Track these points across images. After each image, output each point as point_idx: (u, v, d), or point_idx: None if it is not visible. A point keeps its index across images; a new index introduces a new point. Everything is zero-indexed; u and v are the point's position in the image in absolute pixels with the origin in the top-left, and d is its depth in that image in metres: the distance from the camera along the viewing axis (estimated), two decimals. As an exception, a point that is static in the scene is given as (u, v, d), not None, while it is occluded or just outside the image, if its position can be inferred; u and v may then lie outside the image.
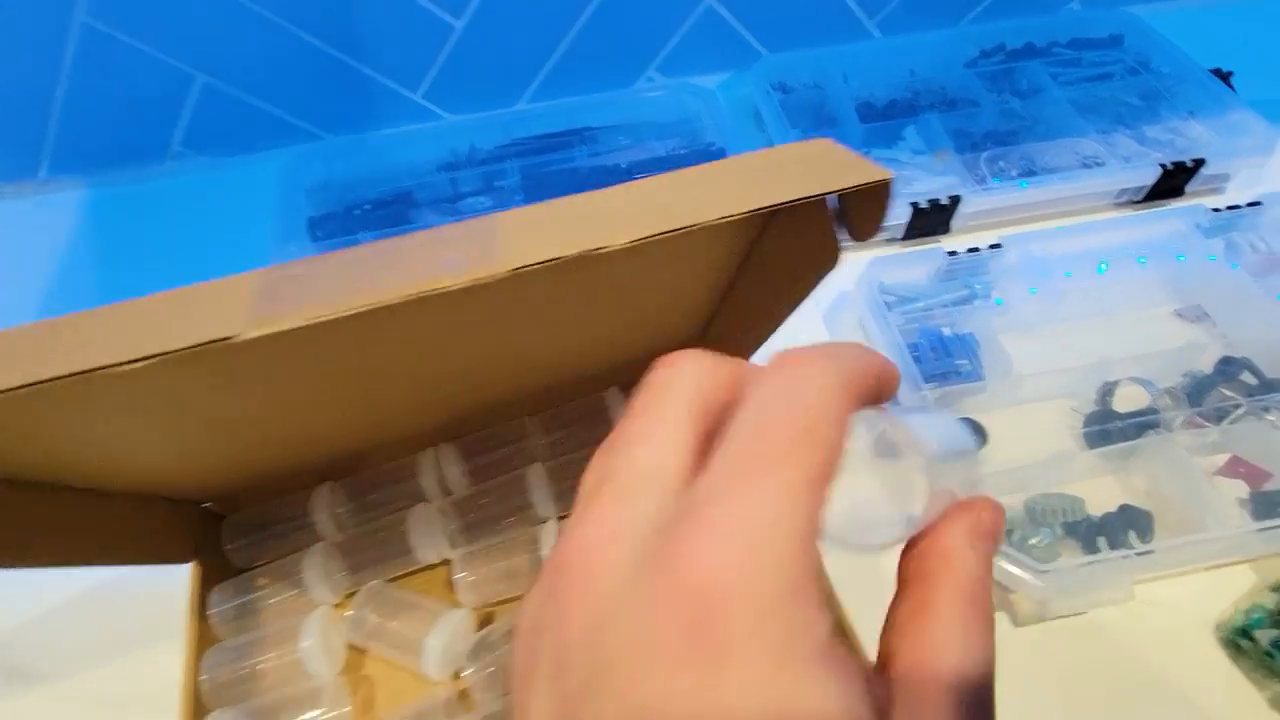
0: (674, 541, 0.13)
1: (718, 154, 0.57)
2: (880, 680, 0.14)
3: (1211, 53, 0.63)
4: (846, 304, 0.51)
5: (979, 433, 0.42)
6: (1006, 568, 0.35)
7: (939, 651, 0.14)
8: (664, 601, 0.12)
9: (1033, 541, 0.38)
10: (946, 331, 0.46)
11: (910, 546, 0.17)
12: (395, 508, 0.39)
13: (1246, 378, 0.44)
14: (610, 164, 0.57)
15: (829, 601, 0.30)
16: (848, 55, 0.65)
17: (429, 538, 0.37)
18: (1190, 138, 0.56)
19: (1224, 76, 0.63)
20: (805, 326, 0.51)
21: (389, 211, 0.55)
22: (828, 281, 0.52)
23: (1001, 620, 0.38)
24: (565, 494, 0.38)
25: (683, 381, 0.15)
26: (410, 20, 0.59)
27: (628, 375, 0.41)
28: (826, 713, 0.12)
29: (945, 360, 0.44)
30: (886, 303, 0.48)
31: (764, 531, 0.12)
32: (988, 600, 0.16)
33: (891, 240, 0.55)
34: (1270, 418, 0.41)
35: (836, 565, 0.30)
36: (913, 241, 0.54)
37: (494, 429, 0.41)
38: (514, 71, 0.65)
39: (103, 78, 0.57)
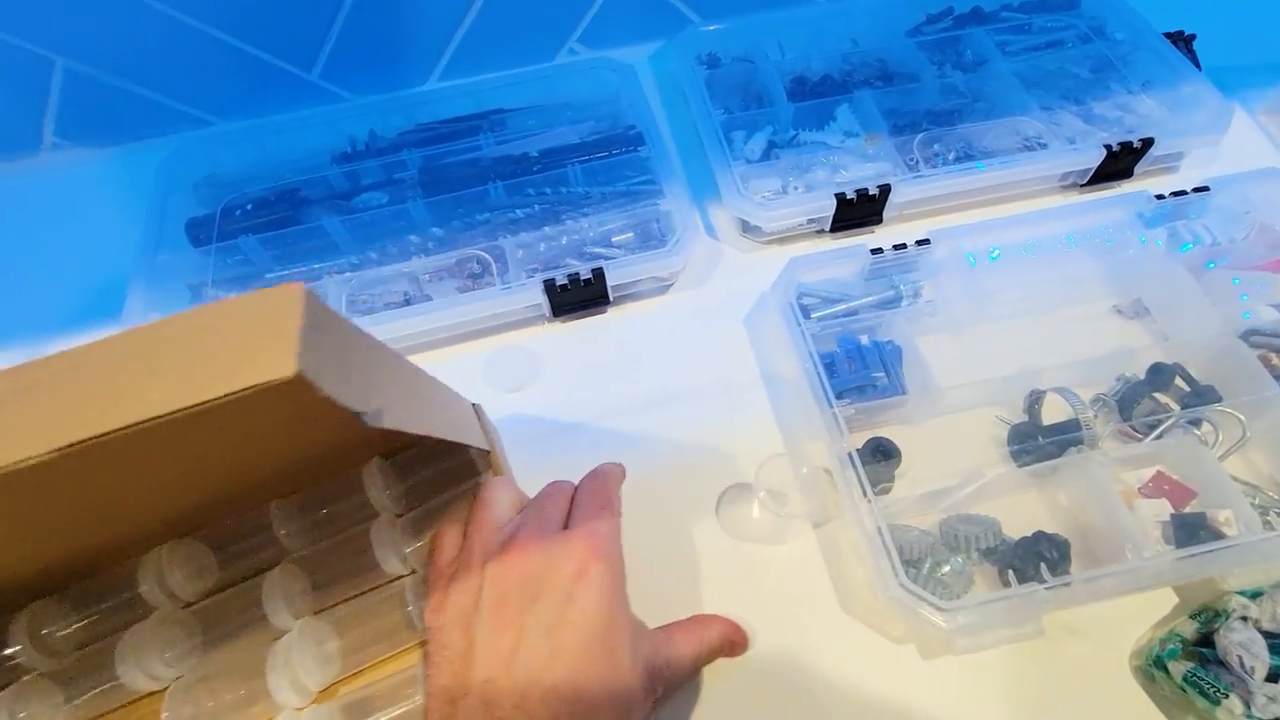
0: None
1: (634, 139, 0.52)
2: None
3: (1174, 13, 0.58)
4: (767, 306, 0.48)
5: (891, 453, 0.39)
6: (909, 603, 0.33)
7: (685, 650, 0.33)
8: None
9: (944, 571, 0.36)
10: (865, 340, 0.43)
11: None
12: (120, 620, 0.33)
13: (1179, 385, 0.41)
14: (518, 152, 0.53)
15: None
16: (787, 22, 0.60)
17: (145, 655, 0.32)
18: (1141, 115, 0.52)
19: (1186, 40, 0.59)
20: (729, 329, 0.48)
21: (275, 211, 0.50)
22: (752, 280, 0.49)
23: (909, 653, 0.36)
24: (320, 586, 0.35)
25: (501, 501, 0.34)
26: (294, -8, 0.53)
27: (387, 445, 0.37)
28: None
29: (862, 373, 0.41)
30: (806, 305, 0.45)
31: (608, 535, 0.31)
32: (706, 650, 0.34)
33: (820, 233, 0.51)
34: (1198, 432, 0.38)
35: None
36: (841, 234, 0.51)
37: (237, 519, 0.36)
38: (418, 46, 0.59)
39: (-54, 65, 0.51)
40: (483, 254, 0.47)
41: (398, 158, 0.53)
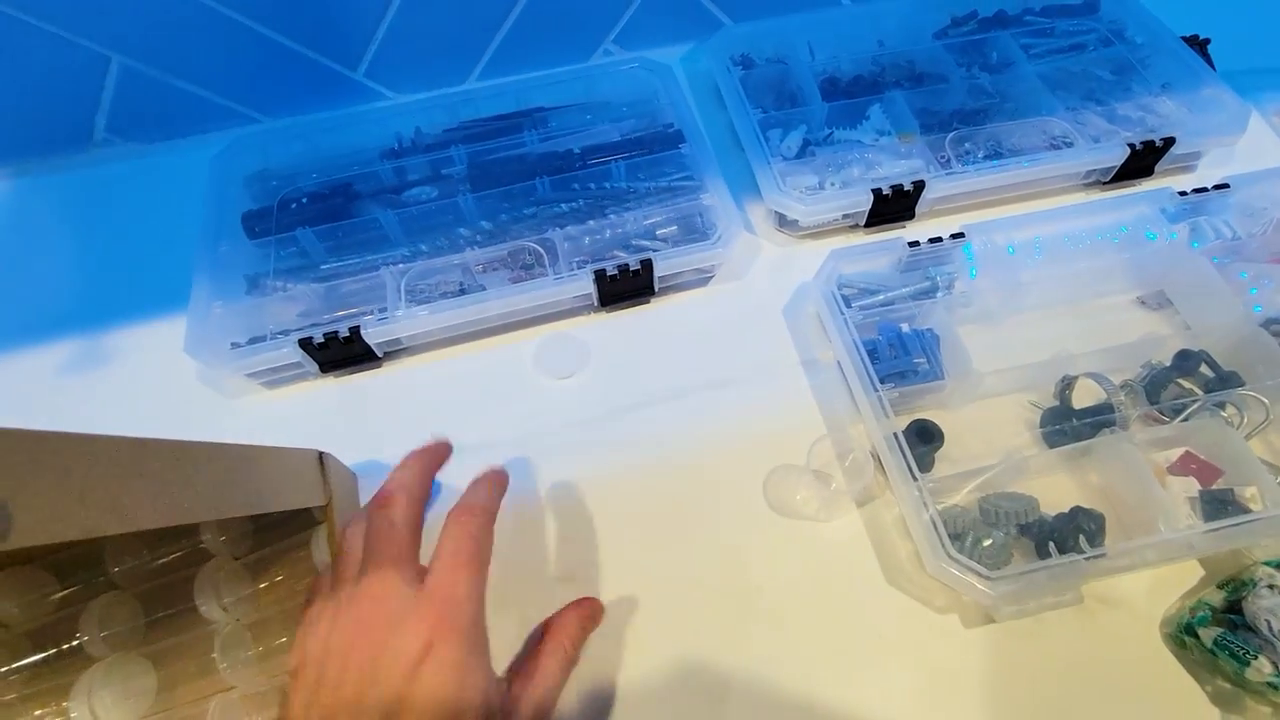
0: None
1: (674, 137, 0.54)
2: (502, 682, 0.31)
3: (1189, 18, 0.60)
4: (806, 297, 0.50)
5: (934, 435, 0.41)
6: (956, 574, 0.35)
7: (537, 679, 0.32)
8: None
9: (985, 544, 0.38)
10: (905, 328, 0.45)
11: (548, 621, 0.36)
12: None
13: (1204, 370, 0.43)
14: (562, 149, 0.54)
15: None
16: (814, 24, 0.62)
17: None
18: (1161, 115, 0.54)
19: (1200, 44, 0.61)
20: (768, 320, 0.50)
21: (328, 205, 0.52)
22: (789, 273, 0.51)
23: (952, 622, 0.38)
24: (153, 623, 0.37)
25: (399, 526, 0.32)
26: (343, -7, 0.55)
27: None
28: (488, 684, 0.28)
29: (904, 358, 0.43)
30: (846, 296, 0.47)
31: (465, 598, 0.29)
32: (574, 651, 0.35)
33: (855, 227, 0.53)
34: (1224, 414, 0.40)
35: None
36: (876, 229, 0.53)
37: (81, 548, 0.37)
38: (460, 46, 0.61)
39: (10, 63, 0.53)
40: (535, 246, 0.49)
41: (444, 154, 0.54)
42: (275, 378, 0.48)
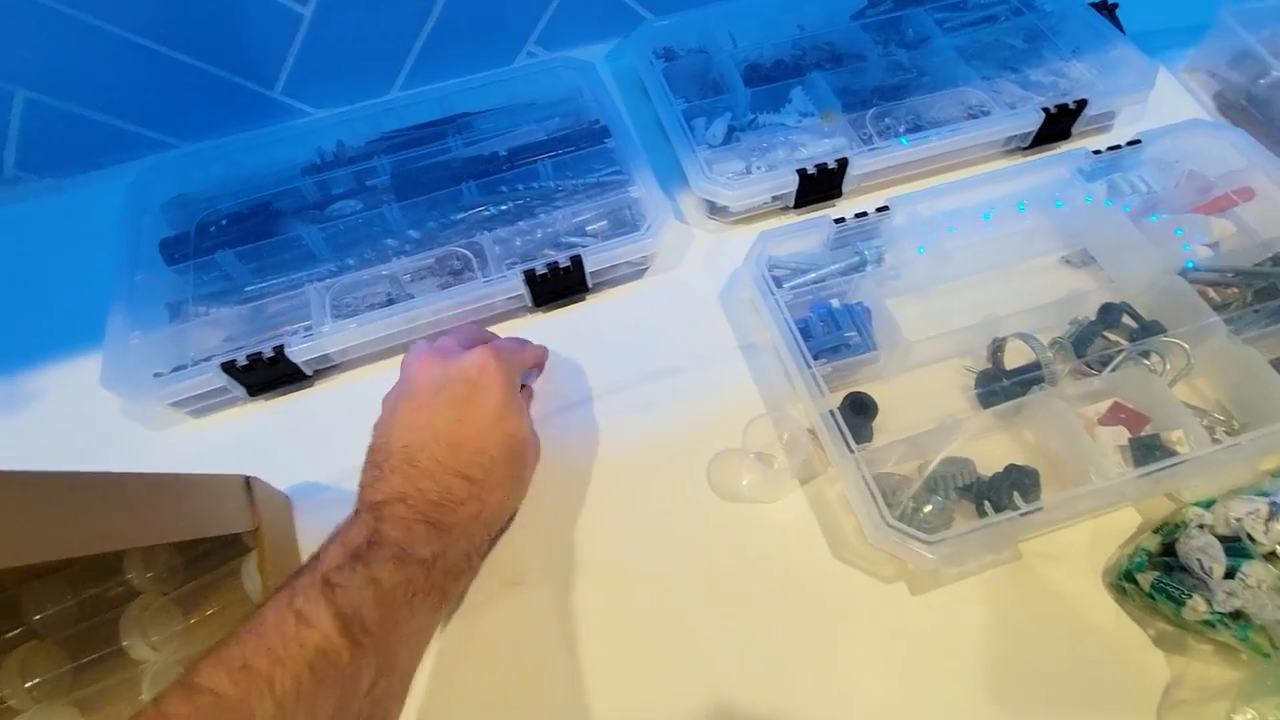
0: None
1: (601, 132, 0.54)
2: None
3: (1096, -16, 0.62)
4: (739, 282, 0.50)
5: (869, 406, 0.41)
6: (896, 541, 0.35)
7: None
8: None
9: (926, 510, 0.38)
10: (836, 304, 0.45)
11: None
12: None
13: (1128, 321, 0.44)
14: (487, 152, 0.54)
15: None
16: (735, 13, 0.62)
17: None
18: (1073, 78, 0.56)
19: (1109, 8, 0.62)
20: (704, 308, 0.49)
21: (249, 225, 0.51)
22: (723, 259, 0.51)
23: (900, 590, 0.38)
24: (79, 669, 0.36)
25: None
26: (252, 11, 0.54)
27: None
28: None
29: (835, 334, 0.43)
30: (778, 277, 0.47)
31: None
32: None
33: (785, 209, 0.53)
34: (1147, 363, 0.41)
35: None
36: (805, 209, 0.53)
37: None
38: (379, 57, 0.60)
39: (-98, 101, 0.51)
40: (463, 250, 0.48)
41: (368, 165, 0.53)
42: (202, 405, 0.46)
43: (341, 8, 0.55)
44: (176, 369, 0.45)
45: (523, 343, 0.42)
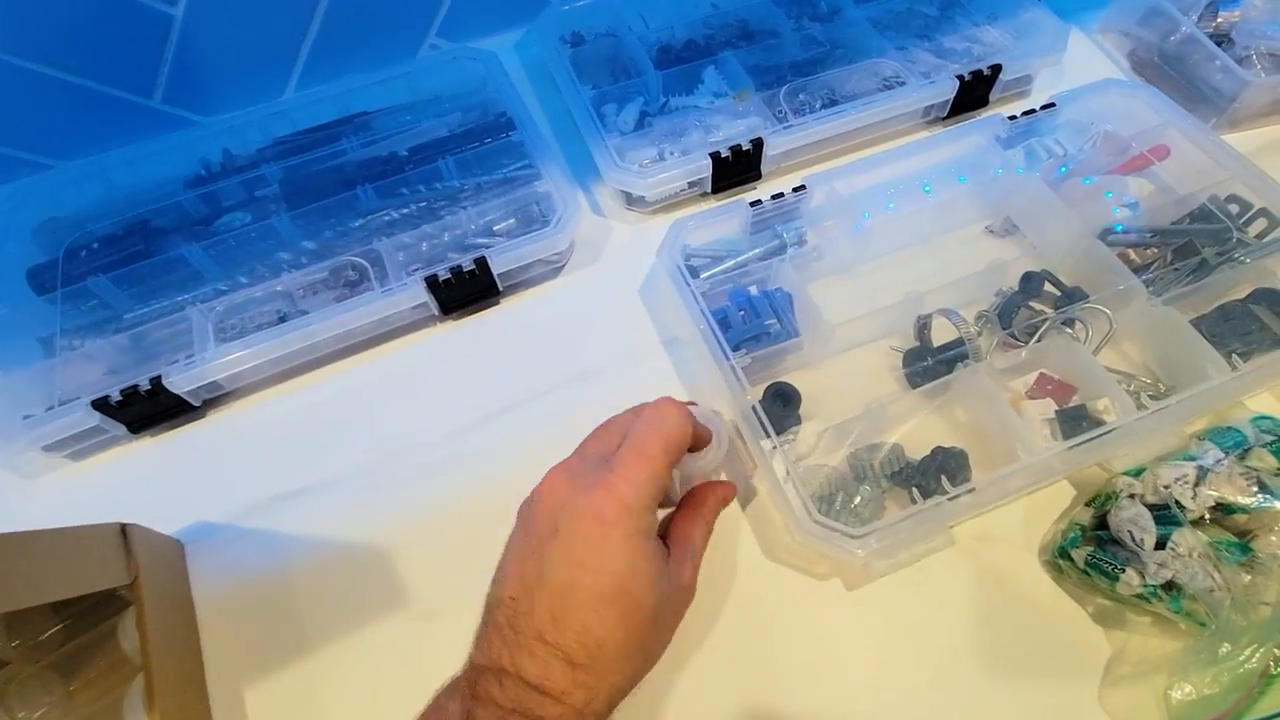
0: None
1: (505, 125, 0.51)
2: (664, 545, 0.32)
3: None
4: (657, 274, 0.47)
5: (791, 396, 0.39)
6: (821, 538, 0.33)
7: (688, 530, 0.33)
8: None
9: (856, 501, 0.36)
10: (754, 291, 0.43)
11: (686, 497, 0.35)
12: None
13: (1051, 289, 0.43)
14: (385, 152, 0.51)
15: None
16: (645, -7, 0.59)
17: None
18: (986, 44, 0.55)
19: (1024, -27, 0.62)
20: (625, 303, 0.47)
21: (124, 247, 0.46)
22: (643, 253, 0.49)
23: (835, 586, 0.37)
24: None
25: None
26: (116, 16, 0.49)
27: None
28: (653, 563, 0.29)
29: (755, 322, 0.41)
30: (696, 266, 0.45)
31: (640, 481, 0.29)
32: (713, 520, 0.34)
33: (704, 195, 0.51)
34: (1071, 331, 0.40)
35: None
36: (724, 194, 0.51)
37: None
38: (266, 58, 0.56)
39: None
40: (358, 260, 0.45)
41: (256, 174, 0.50)
42: (80, 447, 0.42)
43: (215, 6, 0.51)
44: (49, 409, 0.41)
45: (683, 420, 0.31)
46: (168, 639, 0.35)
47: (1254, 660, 0.29)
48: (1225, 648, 0.29)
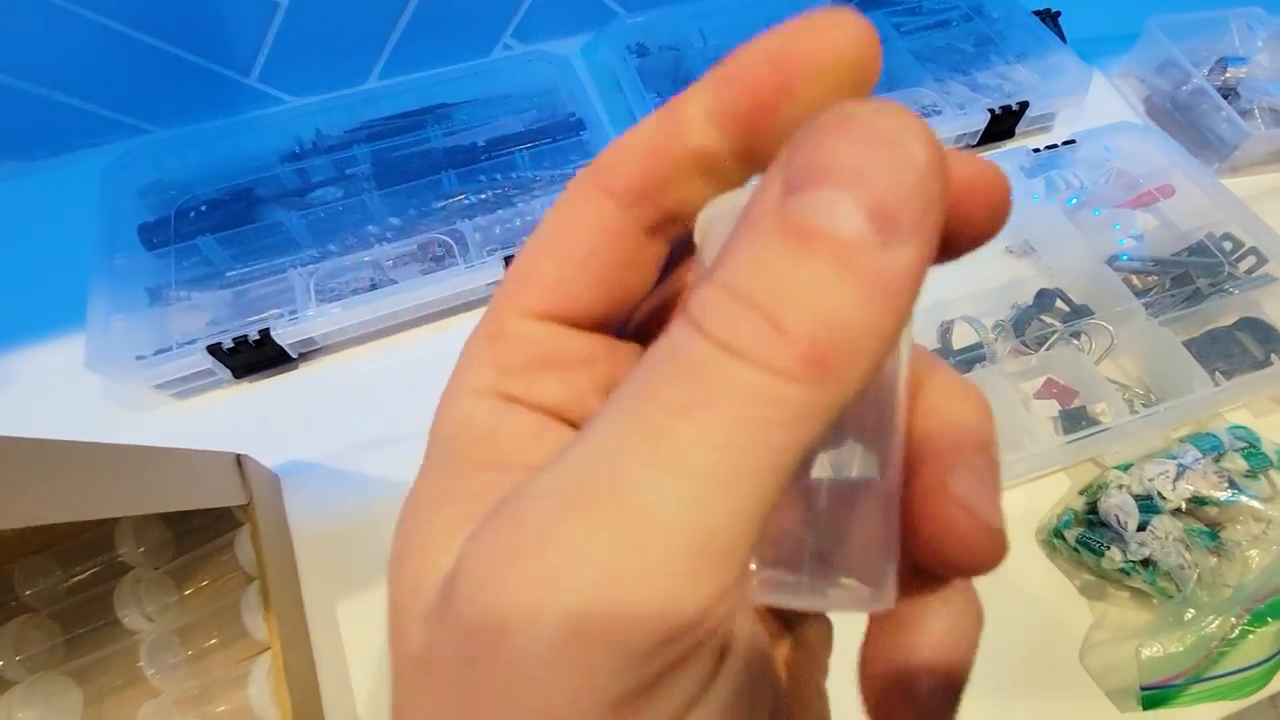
0: None
1: (576, 125, 0.56)
2: None
3: (1042, -9, 0.66)
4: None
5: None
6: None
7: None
8: None
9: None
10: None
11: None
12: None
13: (1061, 305, 0.48)
14: (466, 143, 0.55)
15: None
16: (706, 11, 0.64)
17: None
18: (1016, 81, 0.60)
19: (1053, 16, 0.67)
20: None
21: (229, 211, 0.51)
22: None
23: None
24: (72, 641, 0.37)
25: None
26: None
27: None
28: None
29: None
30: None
31: None
32: None
33: (752, 200, 0.56)
34: (1077, 343, 0.45)
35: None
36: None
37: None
38: (356, 46, 0.61)
39: None
40: (444, 237, 0.50)
41: (348, 154, 0.55)
42: (186, 388, 0.47)
43: (319, -4, 0.56)
44: (159, 352, 0.46)
45: None
46: (275, 555, 0.40)
47: (1213, 626, 0.34)
48: (1190, 613, 0.35)
